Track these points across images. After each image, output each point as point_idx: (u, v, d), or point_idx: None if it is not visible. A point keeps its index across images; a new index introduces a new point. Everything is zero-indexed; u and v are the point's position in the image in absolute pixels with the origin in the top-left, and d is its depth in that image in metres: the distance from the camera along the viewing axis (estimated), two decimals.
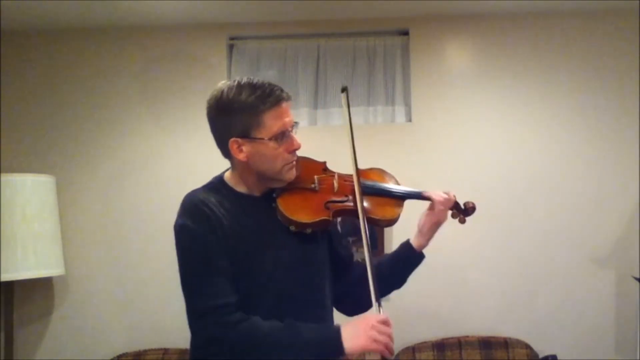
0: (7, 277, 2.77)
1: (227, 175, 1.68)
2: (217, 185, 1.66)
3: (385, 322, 1.53)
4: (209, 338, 1.52)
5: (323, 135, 3.11)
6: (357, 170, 1.68)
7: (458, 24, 3.23)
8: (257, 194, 1.65)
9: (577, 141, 3.15)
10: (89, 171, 3.22)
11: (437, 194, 1.77)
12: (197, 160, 3.17)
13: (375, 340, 1.50)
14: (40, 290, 3.16)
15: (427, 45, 3.23)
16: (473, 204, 1.83)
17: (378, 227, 1.75)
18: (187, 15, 3.15)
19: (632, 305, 3.02)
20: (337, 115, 3.28)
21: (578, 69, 3.18)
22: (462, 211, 1.83)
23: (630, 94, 3.14)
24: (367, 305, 1.70)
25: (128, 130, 3.24)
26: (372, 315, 1.55)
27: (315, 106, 3.30)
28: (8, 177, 2.85)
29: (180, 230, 1.58)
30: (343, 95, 1.74)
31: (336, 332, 1.52)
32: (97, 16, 3.12)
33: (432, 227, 1.76)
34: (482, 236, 3.09)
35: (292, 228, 1.61)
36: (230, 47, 3.33)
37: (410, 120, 3.24)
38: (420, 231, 1.77)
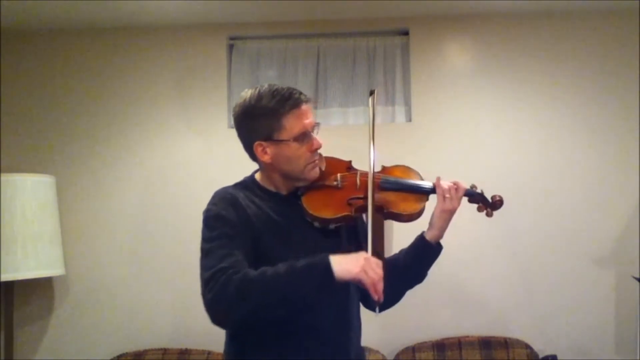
0: (7, 277, 2.77)
1: (257, 175, 1.77)
2: (248, 183, 1.75)
3: (378, 265, 1.52)
4: (213, 297, 1.48)
5: (323, 136, 3.06)
6: (373, 173, 1.72)
7: (458, 24, 3.23)
8: (284, 192, 1.73)
9: (577, 141, 3.15)
10: (89, 171, 3.22)
11: (441, 183, 1.78)
12: (196, 158, 3.19)
13: (365, 272, 1.48)
14: (40, 290, 3.16)
15: (427, 45, 3.23)
16: (500, 197, 1.81)
17: (400, 221, 1.74)
18: (187, 15, 3.15)
19: (632, 305, 3.02)
20: (337, 115, 3.28)
21: (578, 69, 3.17)
22: (489, 205, 1.81)
23: (630, 94, 3.13)
24: (391, 302, 1.75)
25: (128, 129, 3.24)
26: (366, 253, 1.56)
27: (314, 106, 3.30)
28: (8, 177, 2.85)
29: (207, 213, 1.64)
30: (370, 98, 1.82)
31: (325, 257, 1.50)
32: (97, 16, 3.12)
33: (440, 216, 1.75)
34: (482, 235, 3.09)
35: (316, 224, 1.67)
36: (230, 47, 3.33)
37: (410, 120, 3.24)
38: (430, 222, 1.77)
